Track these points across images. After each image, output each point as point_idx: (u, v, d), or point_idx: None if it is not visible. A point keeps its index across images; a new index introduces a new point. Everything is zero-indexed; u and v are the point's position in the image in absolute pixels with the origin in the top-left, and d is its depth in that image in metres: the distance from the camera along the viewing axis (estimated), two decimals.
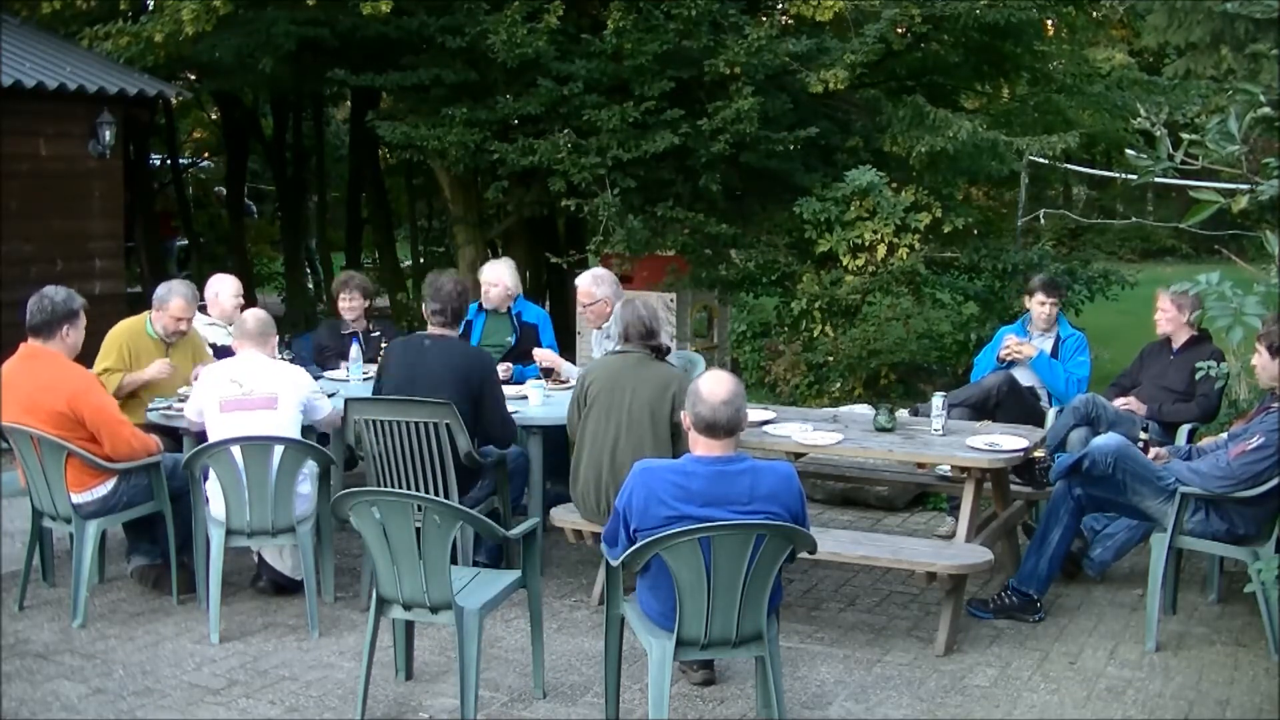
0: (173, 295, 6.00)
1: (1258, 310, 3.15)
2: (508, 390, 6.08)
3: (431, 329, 5.40)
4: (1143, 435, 5.42)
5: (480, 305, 6.98)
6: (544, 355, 6.70)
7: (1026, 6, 9.86)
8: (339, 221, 17.61)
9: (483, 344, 6.94)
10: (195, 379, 5.71)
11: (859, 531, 6.06)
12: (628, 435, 4.93)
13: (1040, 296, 6.64)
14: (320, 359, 7.07)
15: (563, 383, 6.39)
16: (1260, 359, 4.97)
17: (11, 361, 5.13)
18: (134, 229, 13.59)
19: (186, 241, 17.00)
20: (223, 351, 6.27)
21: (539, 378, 6.46)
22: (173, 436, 5.63)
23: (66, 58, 9.32)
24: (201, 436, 5.22)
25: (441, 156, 9.77)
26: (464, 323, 6.93)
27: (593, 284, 6.46)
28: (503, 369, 6.59)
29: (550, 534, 5.46)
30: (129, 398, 5.85)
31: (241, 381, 5.15)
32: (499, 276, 6.94)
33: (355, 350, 6.64)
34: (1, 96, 8.30)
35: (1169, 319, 6.24)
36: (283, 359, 5.77)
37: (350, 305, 7.23)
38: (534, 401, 5.80)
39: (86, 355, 5.38)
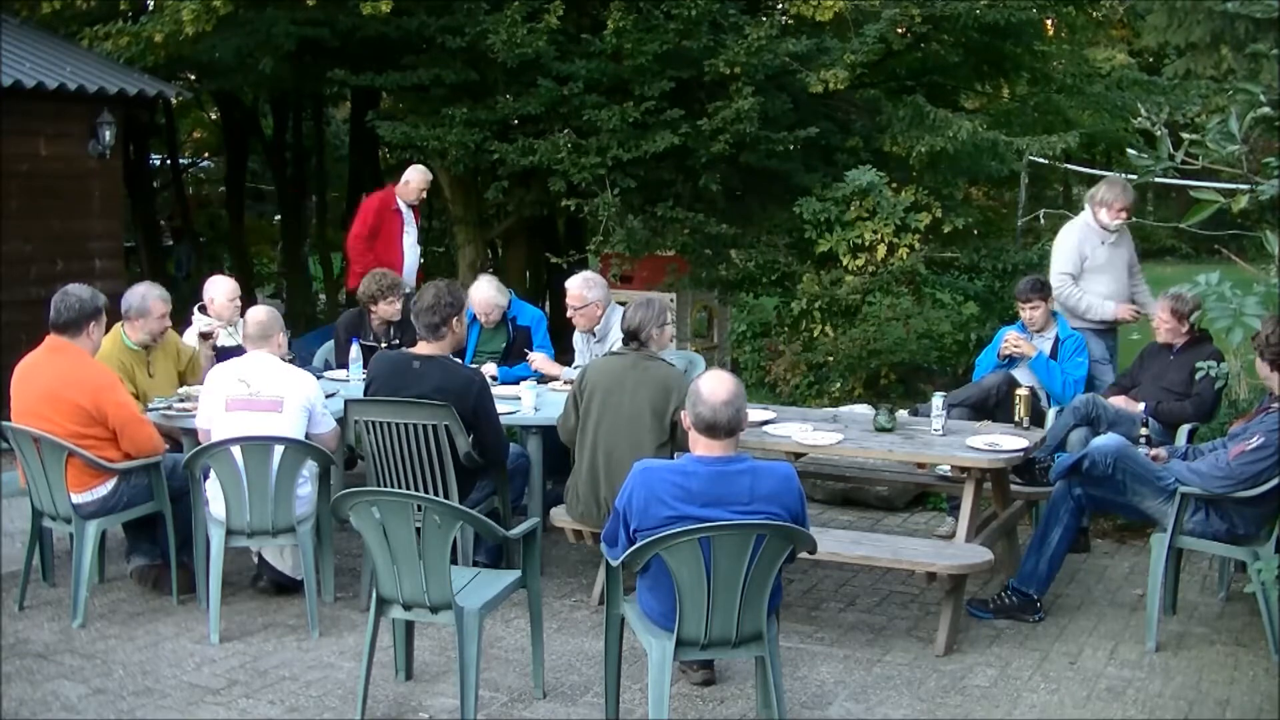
0: (149, 300, 5.87)
1: (1257, 310, 3.15)
2: (500, 391, 6.09)
3: (420, 345, 5.20)
4: (1143, 432, 5.42)
5: (474, 315, 6.95)
6: (537, 359, 6.67)
7: (1026, 6, 9.86)
8: (339, 221, 17.60)
9: (478, 349, 6.94)
10: (183, 381, 5.70)
11: (859, 531, 6.06)
12: (627, 436, 4.93)
13: (1020, 303, 6.68)
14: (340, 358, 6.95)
15: (568, 383, 6.39)
16: (1261, 369, 4.97)
17: (36, 353, 5.18)
18: (134, 229, 13.59)
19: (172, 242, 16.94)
20: (224, 352, 6.26)
21: (536, 379, 6.45)
22: (171, 436, 5.63)
23: (66, 58, 9.31)
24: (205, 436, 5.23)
25: (441, 156, 9.77)
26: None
27: (583, 287, 6.45)
28: (489, 369, 6.56)
29: (550, 534, 5.46)
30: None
31: (249, 381, 5.15)
32: (489, 300, 6.86)
33: (355, 350, 6.64)
34: (1, 96, 8.29)
35: (1168, 329, 6.21)
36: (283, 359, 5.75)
37: (395, 309, 6.92)
38: (527, 403, 5.79)
39: None
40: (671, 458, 4.75)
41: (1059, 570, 5.35)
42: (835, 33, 10.00)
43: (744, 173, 9.76)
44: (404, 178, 8.81)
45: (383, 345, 6.77)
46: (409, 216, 8.89)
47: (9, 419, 5.15)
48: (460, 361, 5.61)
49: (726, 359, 9.65)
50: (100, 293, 5.30)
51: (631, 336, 5.14)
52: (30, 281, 8.47)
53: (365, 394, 5.25)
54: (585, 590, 5.53)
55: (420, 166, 9.06)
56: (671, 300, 9.38)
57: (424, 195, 9.02)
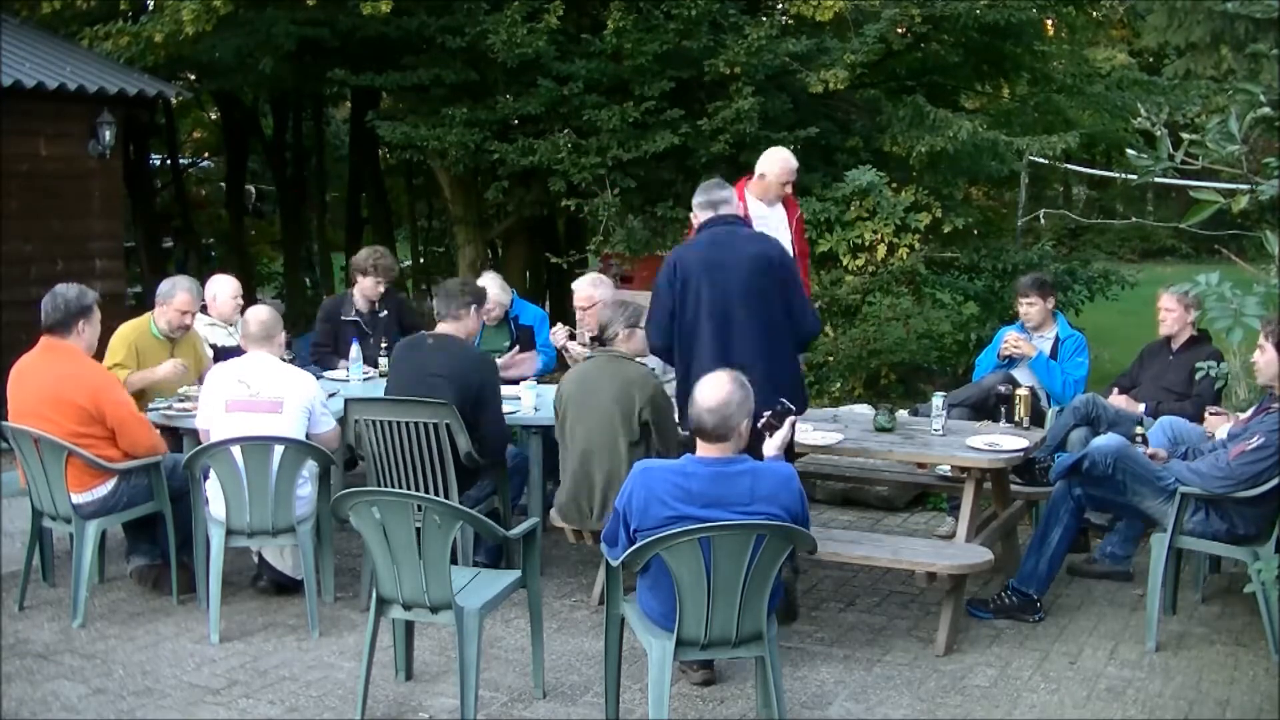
0: (177, 290, 6.02)
1: (1257, 311, 3.14)
2: (505, 391, 6.10)
3: (438, 327, 5.38)
4: (1138, 431, 5.41)
5: None
6: (559, 332, 6.72)
7: (1026, 6, 9.87)
8: (339, 221, 17.61)
9: (481, 348, 6.94)
10: (201, 381, 5.70)
11: (859, 531, 6.06)
12: (600, 436, 4.93)
13: (1018, 297, 6.69)
14: (319, 356, 6.99)
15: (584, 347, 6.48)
16: (1265, 355, 4.96)
17: (31, 354, 5.19)
18: (134, 229, 13.60)
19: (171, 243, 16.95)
20: (224, 353, 6.27)
21: (537, 378, 6.46)
22: (173, 435, 5.63)
23: (66, 58, 9.32)
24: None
25: (441, 156, 9.78)
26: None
27: (591, 286, 6.46)
28: (505, 361, 6.60)
29: (550, 534, 5.46)
30: (135, 396, 5.85)
31: (249, 382, 5.15)
32: (492, 297, 6.86)
33: (355, 350, 6.64)
34: (1, 96, 8.30)
35: (1175, 318, 6.21)
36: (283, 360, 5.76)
37: (377, 291, 6.92)
38: (527, 403, 5.80)
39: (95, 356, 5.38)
40: (648, 456, 4.74)
41: (1059, 570, 5.35)
42: (835, 33, 10.01)
43: (744, 173, 9.75)
44: (758, 168, 6.40)
45: (385, 341, 6.77)
46: (769, 219, 6.32)
47: (7, 420, 5.16)
48: (473, 345, 5.63)
49: None
50: (90, 290, 5.28)
51: (597, 335, 5.17)
52: (30, 281, 8.47)
53: (389, 374, 5.44)
54: (585, 590, 5.53)
55: (775, 150, 6.55)
56: None
57: (788, 188, 6.38)
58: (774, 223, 6.29)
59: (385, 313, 7.00)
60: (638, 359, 5.14)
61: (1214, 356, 5.79)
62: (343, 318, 7.00)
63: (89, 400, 5.04)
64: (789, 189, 6.38)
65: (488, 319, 6.95)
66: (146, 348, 6.01)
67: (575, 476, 5.01)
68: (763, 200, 6.33)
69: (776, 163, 6.34)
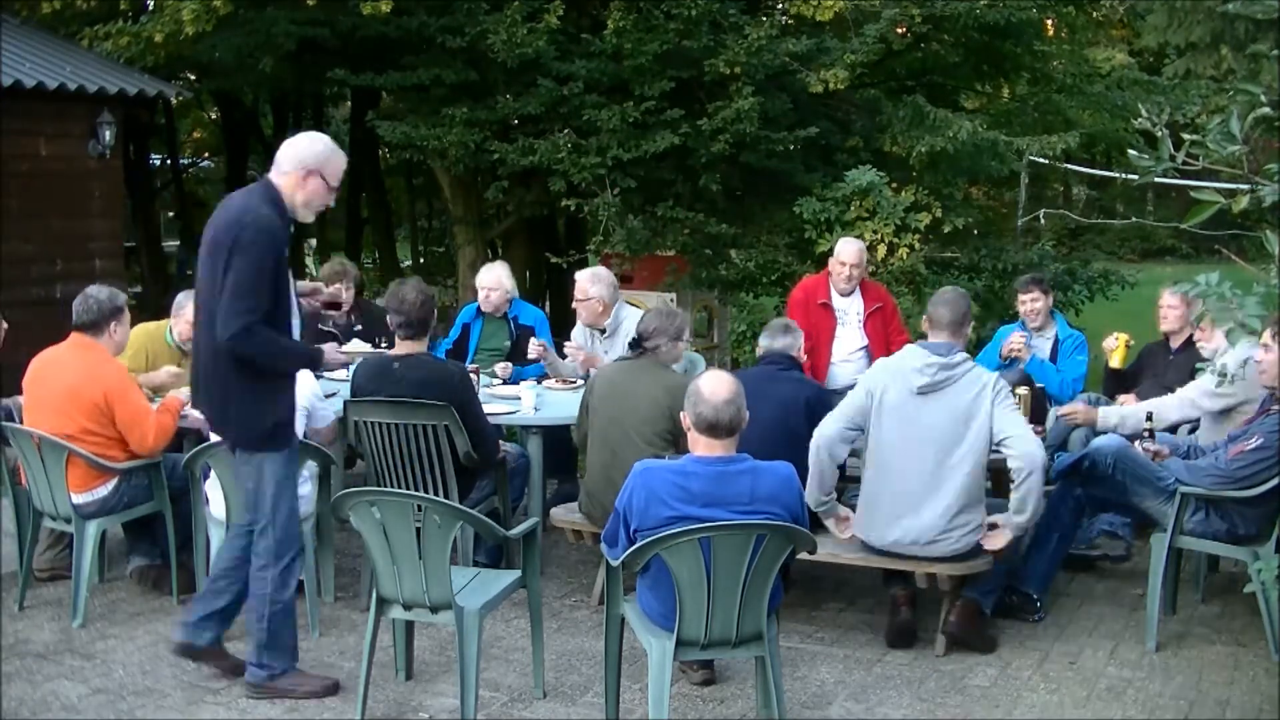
0: (188, 302, 6.00)
1: (1257, 311, 3.14)
2: (501, 391, 6.09)
3: (399, 344, 5.23)
4: (1146, 425, 5.41)
5: (479, 309, 6.96)
6: (536, 347, 6.63)
7: (1026, 6, 9.87)
8: (339, 221, 17.61)
9: (480, 348, 6.94)
10: None
11: None
12: (638, 439, 4.93)
13: (1020, 295, 6.75)
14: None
15: (570, 381, 6.40)
16: (1269, 354, 4.95)
17: (59, 348, 5.23)
18: (134, 229, 13.60)
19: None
20: None
21: (540, 378, 6.46)
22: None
23: (66, 58, 9.32)
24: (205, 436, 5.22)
25: (441, 156, 9.78)
26: (461, 326, 6.96)
27: (589, 281, 6.46)
28: (500, 368, 6.60)
29: (550, 534, 5.46)
30: None
31: None
32: (497, 280, 6.89)
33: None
34: (1, 96, 8.30)
35: (1177, 316, 6.22)
36: None
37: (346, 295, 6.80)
38: (527, 403, 5.80)
39: None
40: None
41: (1059, 569, 5.34)
42: (835, 33, 10.01)
43: (744, 173, 9.76)
44: (834, 255, 6.86)
45: (376, 347, 6.74)
46: (847, 310, 6.81)
47: (23, 410, 5.18)
48: (440, 358, 5.60)
49: (726, 359, 9.65)
50: (120, 293, 5.36)
51: (638, 342, 5.14)
52: (30, 281, 8.48)
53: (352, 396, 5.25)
54: (585, 590, 5.53)
55: (842, 239, 7.02)
56: (671, 300, 9.38)
57: (848, 270, 6.71)
58: (850, 315, 6.77)
59: (360, 327, 6.80)
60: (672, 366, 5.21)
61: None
62: (320, 328, 6.91)
63: (102, 397, 5.07)
64: (851, 272, 6.69)
65: (493, 307, 6.93)
66: (159, 353, 6.05)
67: (605, 472, 4.99)
68: (839, 291, 6.76)
69: (836, 249, 6.82)
